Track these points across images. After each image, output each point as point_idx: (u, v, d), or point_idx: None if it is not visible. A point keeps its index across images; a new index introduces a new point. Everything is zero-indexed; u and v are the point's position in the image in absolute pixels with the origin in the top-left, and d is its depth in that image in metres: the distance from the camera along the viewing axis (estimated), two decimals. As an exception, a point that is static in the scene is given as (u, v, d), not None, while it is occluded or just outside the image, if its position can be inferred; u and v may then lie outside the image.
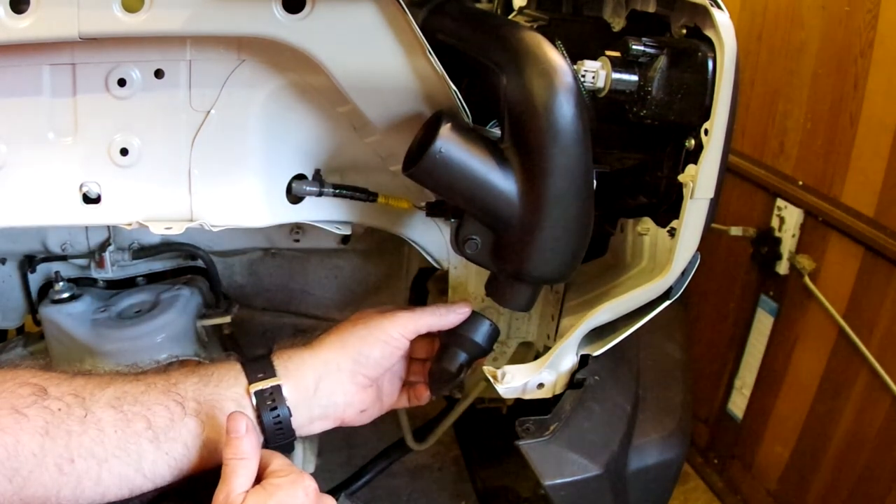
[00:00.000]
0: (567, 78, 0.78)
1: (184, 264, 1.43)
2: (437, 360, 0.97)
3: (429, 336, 1.01)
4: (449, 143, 0.79)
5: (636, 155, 0.99)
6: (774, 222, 2.14)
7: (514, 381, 0.96)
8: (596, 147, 0.83)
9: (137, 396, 0.79)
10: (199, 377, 0.83)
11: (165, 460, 0.78)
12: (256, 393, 0.84)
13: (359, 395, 0.93)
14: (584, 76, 0.84)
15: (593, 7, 1.05)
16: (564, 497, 0.91)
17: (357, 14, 0.76)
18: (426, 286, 1.36)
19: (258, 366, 0.87)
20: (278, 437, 0.85)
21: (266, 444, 0.84)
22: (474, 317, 0.98)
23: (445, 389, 1.00)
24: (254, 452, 0.78)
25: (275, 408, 0.84)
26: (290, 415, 0.85)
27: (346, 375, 0.90)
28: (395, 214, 1.07)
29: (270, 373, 0.86)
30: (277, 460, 0.80)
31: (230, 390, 0.83)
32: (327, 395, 0.89)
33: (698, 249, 0.92)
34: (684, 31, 0.87)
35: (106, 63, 0.84)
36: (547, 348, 1.12)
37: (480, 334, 0.97)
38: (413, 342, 1.00)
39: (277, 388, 0.85)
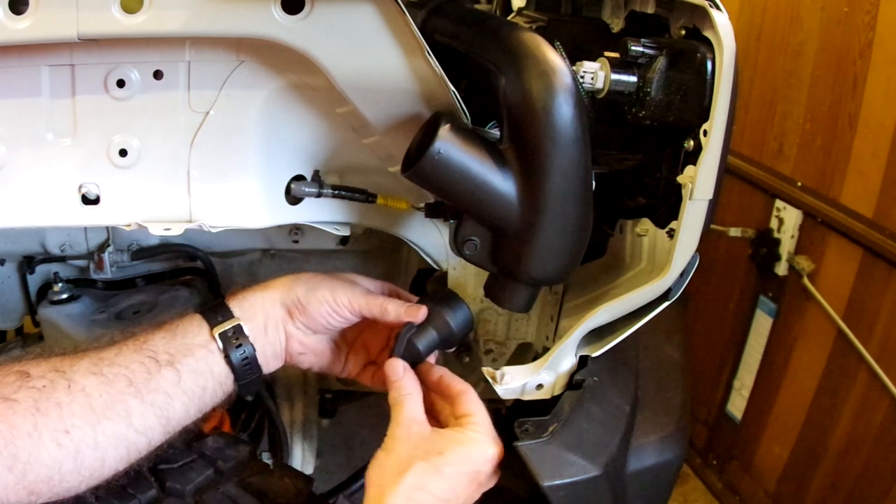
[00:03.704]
0: (566, 79, 0.78)
1: (183, 265, 1.43)
2: (407, 329, 0.95)
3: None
4: (448, 145, 0.79)
5: (635, 156, 0.99)
6: (773, 223, 2.14)
7: (513, 381, 0.96)
8: (595, 148, 0.83)
9: (113, 359, 0.82)
10: (164, 332, 0.87)
11: (152, 411, 0.81)
12: (221, 335, 0.87)
13: (297, 336, 0.95)
14: (582, 77, 0.84)
15: (592, 8, 1.05)
16: (563, 498, 0.91)
17: (356, 15, 0.76)
18: (425, 287, 1.36)
19: (216, 311, 0.90)
20: (247, 373, 0.89)
21: (236, 381, 0.88)
22: (455, 301, 0.99)
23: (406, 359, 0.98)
24: (415, 388, 0.89)
25: (240, 347, 0.88)
26: (255, 350, 0.89)
27: (285, 313, 0.93)
28: (394, 215, 1.07)
29: (228, 315, 0.89)
30: (480, 415, 0.87)
31: (196, 338, 0.87)
32: (274, 332, 0.92)
33: (697, 250, 0.92)
34: (683, 31, 0.87)
35: (105, 64, 0.84)
36: (546, 349, 1.12)
37: (456, 319, 0.97)
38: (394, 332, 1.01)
39: (238, 327, 0.88)
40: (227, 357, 0.87)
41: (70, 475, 0.76)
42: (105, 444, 0.78)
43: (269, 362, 0.93)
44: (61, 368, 0.79)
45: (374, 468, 0.83)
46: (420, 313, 0.95)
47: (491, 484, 0.88)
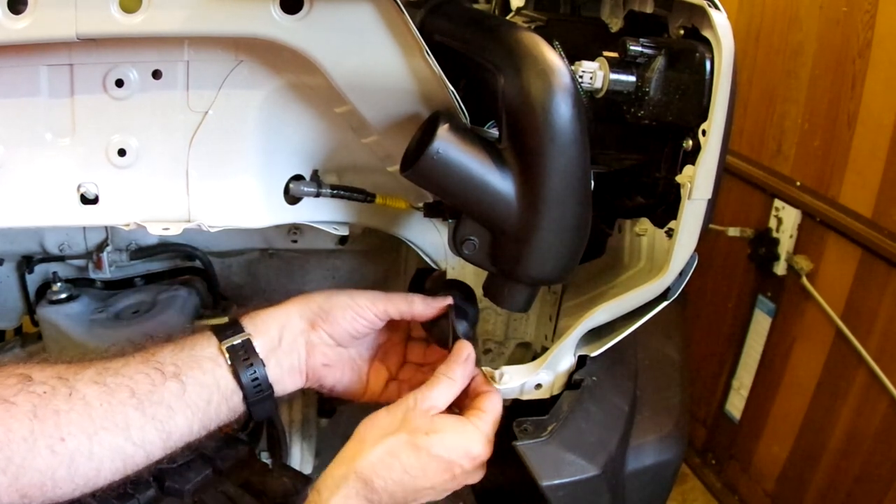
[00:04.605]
0: (564, 78, 0.78)
1: (181, 265, 1.43)
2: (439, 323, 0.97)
3: (424, 342, 1.02)
4: (447, 144, 0.79)
5: (634, 156, 0.99)
6: (772, 223, 2.14)
7: (512, 381, 0.96)
8: (594, 148, 0.83)
9: (118, 369, 0.81)
10: (173, 344, 0.86)
11: (153, 424, 0.80)
12: (229, 349, 0.86)
13: (321, 347, 0.94)
14: (581, 77, 0.84)
15: (591, 8, 1.05)
16: (562, 498, 0.91)
17: (355, 15, 0.75)
18: (424, 287, 1.36)
19: (227, 327, 0.89)
20: (257, 392, 0.87)
21: (245, 399, 0.87)
22: (462, 284, 1.00)
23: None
24: (462, 380, 0.89)
25: (248, 361, 0.86)
26: (265, 366, 0.87)
27: (306, 324, 0.92)
28: (393, 215, 1.07)
29: (239, 329, 0.88)
30: (490, 415, 0.88)
31: (205, 351, 0.86)
32: (290, 345, 0.91)
33: (696, 250, 0.92)
34: (682, 31, 0.87)
35: (103, 63, 0.84)
36: (545, 349, 1.12)
37: (473, 300, 0.99)
38: (409, 348, 1.02)
39: (248, 342, 0.87)
40: (234, 372, 0.85)
41: (63, 482, 0.75)
42: (101, 455, 0.77)
43: (285, 379, 0.91)
44: (65, 376, 0.78)
45: (368, 422, 0.85)
46: (448, 300, 0.96)
47: (469, 480, 0.88)
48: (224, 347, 0.86)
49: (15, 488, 0.72)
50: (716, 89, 0.82)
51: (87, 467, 0.76)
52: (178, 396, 0.82)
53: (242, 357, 0.86)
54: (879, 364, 1.84)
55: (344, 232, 1.06)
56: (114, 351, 0.85)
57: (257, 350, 0.87)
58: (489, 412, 0.88)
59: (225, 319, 1.35)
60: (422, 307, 0.95)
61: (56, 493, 0.75)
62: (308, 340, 0.92)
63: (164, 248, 1.35)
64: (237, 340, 0.87)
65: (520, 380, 0.96)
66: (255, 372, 0.86)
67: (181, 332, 0.89)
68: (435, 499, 0.86)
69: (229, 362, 0.85)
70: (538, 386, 0.98)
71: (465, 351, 0.91)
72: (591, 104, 0.87)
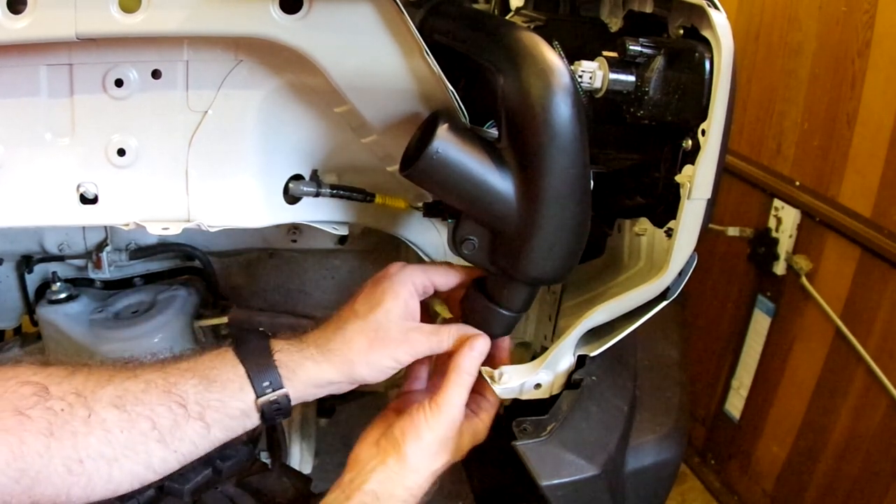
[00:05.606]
0: (564, 78, 0.78)
1: (181, 265, 1.43)
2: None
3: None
4: (446, 144, 0.79)
5: (633, 155, 0.99)
6: (771, 223, 2.14)
7: (512, 381, 0.96)
8: (593, 147, 0.83)
9: (138, 395, 0.78)
10: (198, 380, 0.82)
11: (175, 457, 0.80)
12: (265, 405, 0.83)
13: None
14: (580, 76, 0.84)
15: (590, 7, 1.05)
16: (562, 497, 0.91)
17: (354, 15, 0.76)
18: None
19: (262, 373, 0.84)
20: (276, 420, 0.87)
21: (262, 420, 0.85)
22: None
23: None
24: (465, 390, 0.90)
25: (281, 412, 0.85)
26: (291, 403, 0.86)
27: (342, 386, 0.90)
28: (393, 215, 1.07)
29: (276, 384, 0.84)
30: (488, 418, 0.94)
31: (236, 400, 0.82)
32: (324, 391, 0.89)
33: (695, 250, 0.92)
34: (681, 31, 0.87)
35: (103, 63, 0.84)
36: (544, 349, 1.12)
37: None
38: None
39: (285, 396, 0.84)
40: (265, 419, 0.84)
41: (78, 498, 0.75)
42: (119, 479, 0.77)
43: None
44: (83, 393, 0.76)
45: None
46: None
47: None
48: (260, 404, 0.83)
49: (28, 496, 0.72)
50: (715, 89, 0.82)
51: (104, 489, 0.76)
52: (203, 437, 0.81)
53: (275, 408, 0.84)
54: (879, 364, 1.84)
55: (343, 232, 1.06)
56: (132, 366, 0.83)
57: (292, 400, 0.85)
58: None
59: (225, 319, 1.35)
60: (452, 343, 0.92)
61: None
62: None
63: (163, 247, 1.35)
64: (274, 396, 0.83)
65: (519, 379, 0.96)
66: (284, 416, 0.85)
67: (201, 355, 0.85)
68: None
69: (264, 416, 0.84)
70: (538, 386, 0.98)
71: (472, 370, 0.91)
72: (590, 104, 0.87)
